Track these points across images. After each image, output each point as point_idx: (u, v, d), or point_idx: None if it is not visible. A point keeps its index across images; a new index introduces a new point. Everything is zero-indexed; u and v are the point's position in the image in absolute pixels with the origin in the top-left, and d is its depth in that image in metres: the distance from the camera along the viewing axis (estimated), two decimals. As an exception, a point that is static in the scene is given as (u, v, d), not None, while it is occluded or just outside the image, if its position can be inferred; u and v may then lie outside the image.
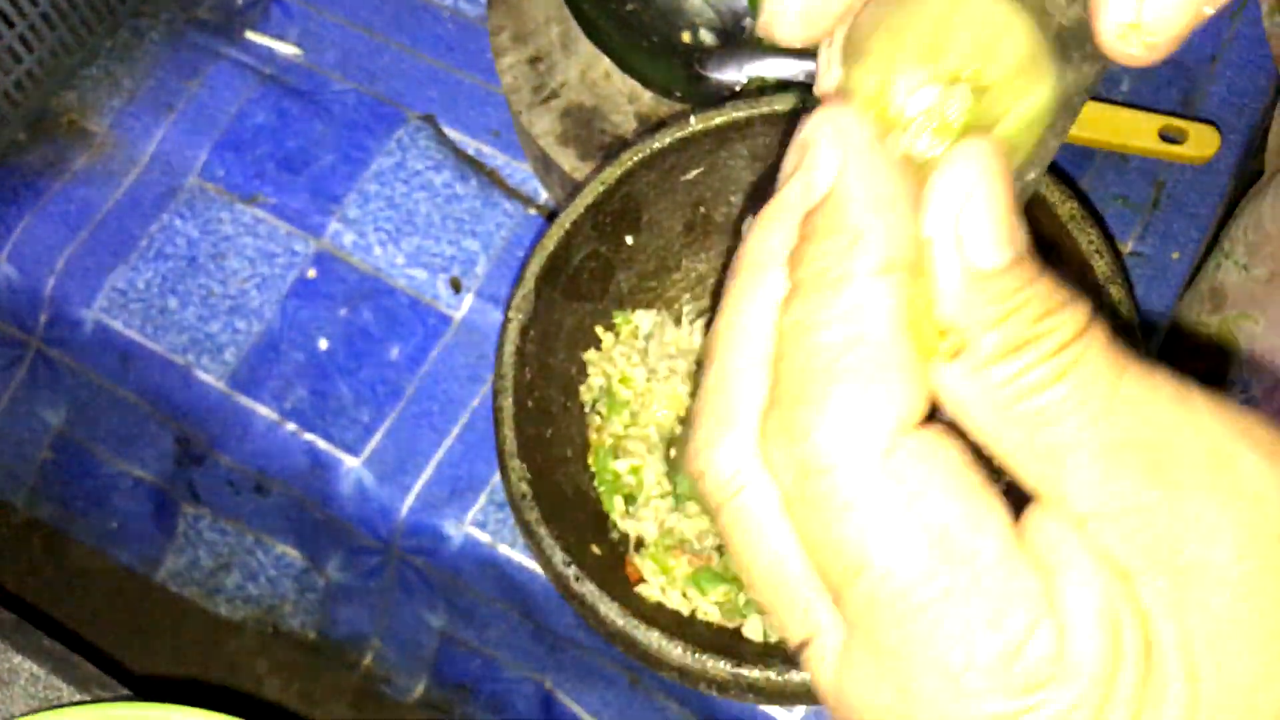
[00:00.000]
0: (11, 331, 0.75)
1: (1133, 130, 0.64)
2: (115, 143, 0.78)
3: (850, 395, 0.23)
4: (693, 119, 0.52)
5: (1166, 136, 0.66)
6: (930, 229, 0.24)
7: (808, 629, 0.25)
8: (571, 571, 0.46)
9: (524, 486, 0.48)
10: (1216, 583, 0.22)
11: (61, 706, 0.49)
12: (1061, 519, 0.23)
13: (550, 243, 0.51)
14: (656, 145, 0.52)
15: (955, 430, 0.24)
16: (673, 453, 0.56)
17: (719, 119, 0.52)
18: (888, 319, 0.23)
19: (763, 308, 0.25)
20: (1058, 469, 0.23)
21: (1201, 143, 0.64)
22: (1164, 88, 0.74)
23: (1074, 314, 0.23)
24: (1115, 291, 0.47)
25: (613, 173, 0.52)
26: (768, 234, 0.26)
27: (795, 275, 0.25)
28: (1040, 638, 0.22)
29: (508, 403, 0.49)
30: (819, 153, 0.25)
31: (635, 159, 0.52)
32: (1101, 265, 0.48)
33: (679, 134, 0.52)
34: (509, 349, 0.50)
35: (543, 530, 0.47)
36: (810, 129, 0.26)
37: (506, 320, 0.50)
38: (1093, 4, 0.24)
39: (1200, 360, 0.86)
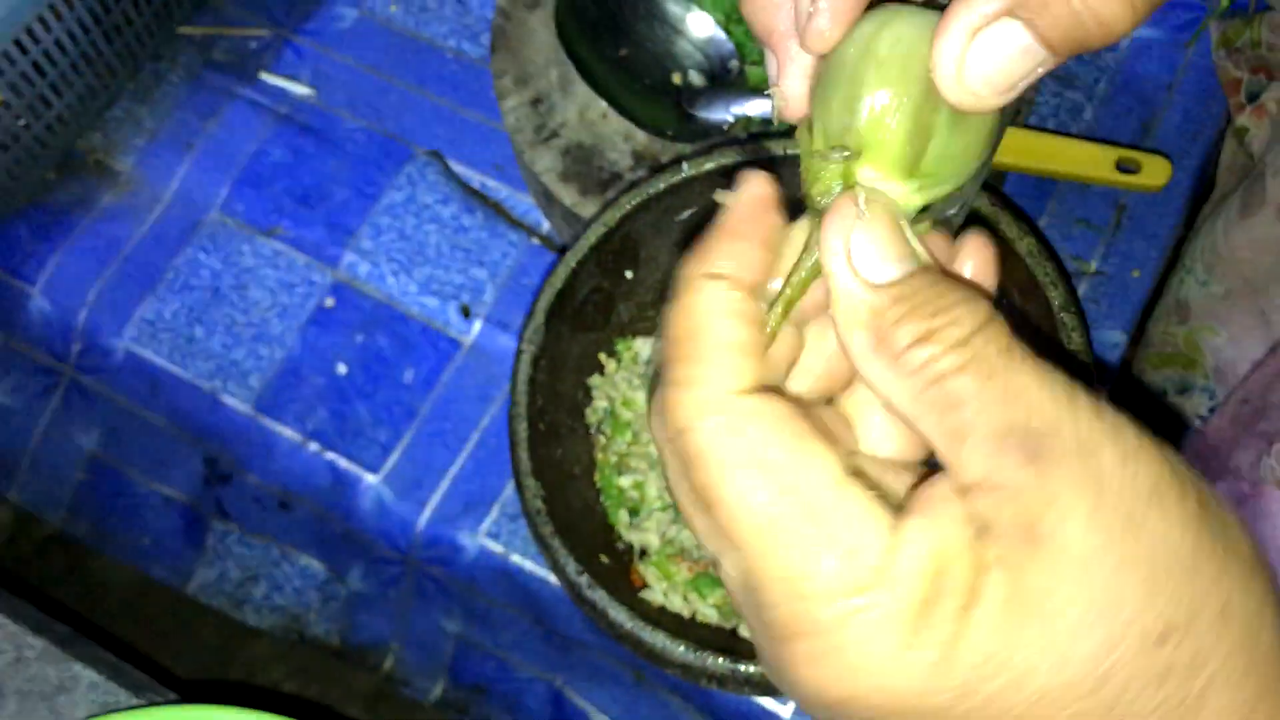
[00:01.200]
0: (46, 360, 0.80)
1: (1091, 162, 0.70)
2: (139, 180, 0.83)
3: (691, 369, 0.30)
4: (685, 166, 0.57)
5: (1123, 167, 0.71)
6: (825, 260, 0.31)
7: (712, 555, 0.31)
8: (584, 580, 0.51)
9: (538, 503, 0.53)
10: (1060, 553, 0.27)
11: (122, 710, 0.54)
12: (953, 483, 0.28)
13: (558, 280, 0.56)
14: (652, 190, 0.57)
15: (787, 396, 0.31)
16: (672, 468, 0.61)
17: (708, 165, 0.57)
18: (716, 312, 0.30)
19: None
20: (957, 446, 0.28)
21: (1155, 172, 0.69)
22: (1124, 116, 0.79)
23: (973, 311, 0.29)
24: (1069, 319, 0.52)
25: (613, 215, 0.57)
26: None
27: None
28: (866, 553, 0.28)
29: (522, 427, 0.54)
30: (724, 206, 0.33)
31: (634, 203, 0.57)
32: (1055, 294, 0.53)
33: (673, 180, 0.57)
34: (522, 378, 0.55)
35: (556, 543, 0.52)
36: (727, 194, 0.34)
37: (519, 352, 0.55)
38: (934, 58, 0.30)
39: (1172, 366, 0.92)
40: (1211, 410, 0.90)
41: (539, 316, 0.55)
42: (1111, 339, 0.75)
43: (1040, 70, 0.30)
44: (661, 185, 0.57)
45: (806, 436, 0.29)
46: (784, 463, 0.28)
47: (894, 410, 0.29)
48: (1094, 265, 0.76)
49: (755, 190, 0.32)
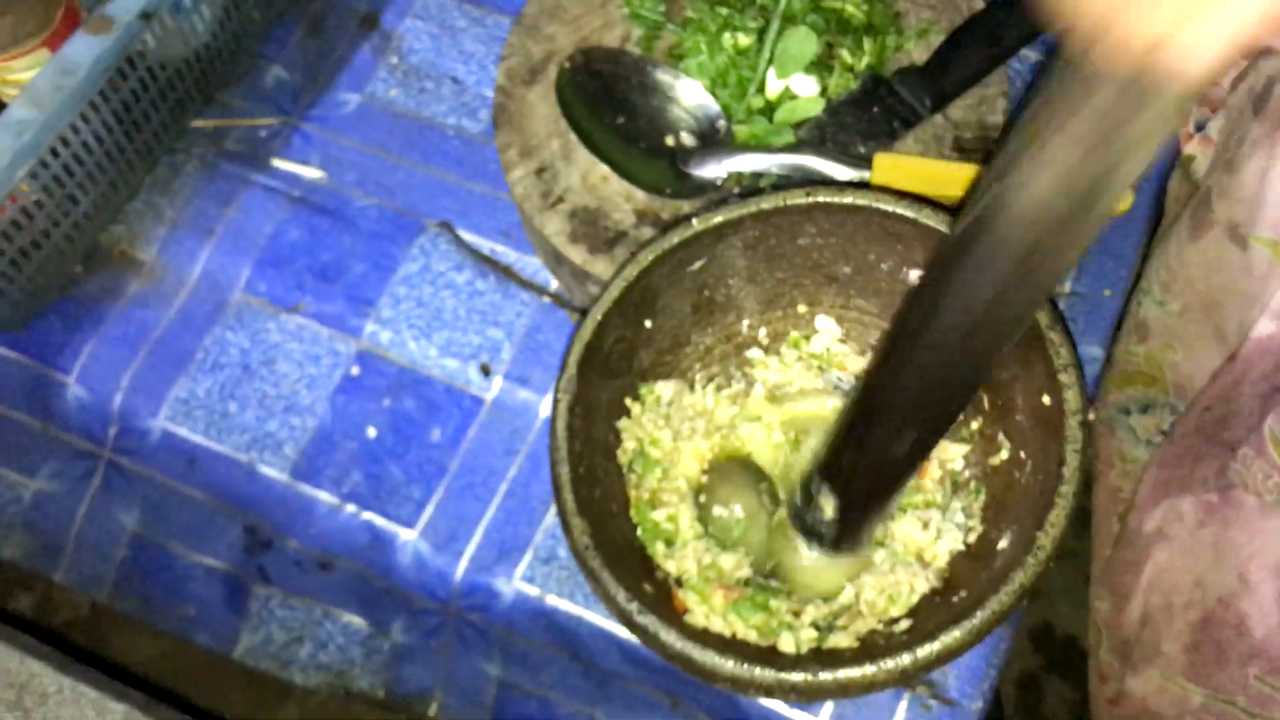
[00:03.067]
0: (85, 445, 0.84)
1: (1059, 193, 0.75)
2: (164, 267, 0.87)
3: None
4: (695, 221, 0.62)
5: (1088, 195, 0.77)
6: None
7: None
8: (634, 607, 0.55)
9: (585, 539, 0.57)
10: None
11: (208, 762, 0.58)
12: None
13: (586, 333, 0.61)
14: (667, 245, 0.62)
15: None
16: (701, 499, 0.65)
17: (717, 219, 0.62)
18: None
19: None
20: None
21: (1116, 200, 0.75)
22: (1083, 148, 0.85)
23: None
24: (1055, 336, 0.58)
25: (633, 270, 0.62)
26: None
27: None
28: None
29: (565, 470, 0.58)
30: None
31: (651, 258, 0.62)
32: (1042, 315, 0.58)
33: (686, 234, 0.62)
34: (561, 425, 0.59)
35: (605, 574, 0.56)
36: None
37: (556, 401, 0.60)
38: None
39: (1134, 385, 0.97)
40: (1173, 425, 0.95)
41: (572, 368, 0.60)
42: (1090, 354, 0.80)
43: None
44: (675, 240, 0.62)
45: None
46: None
47: None
48: (1068, 287, 0.81)
49: None
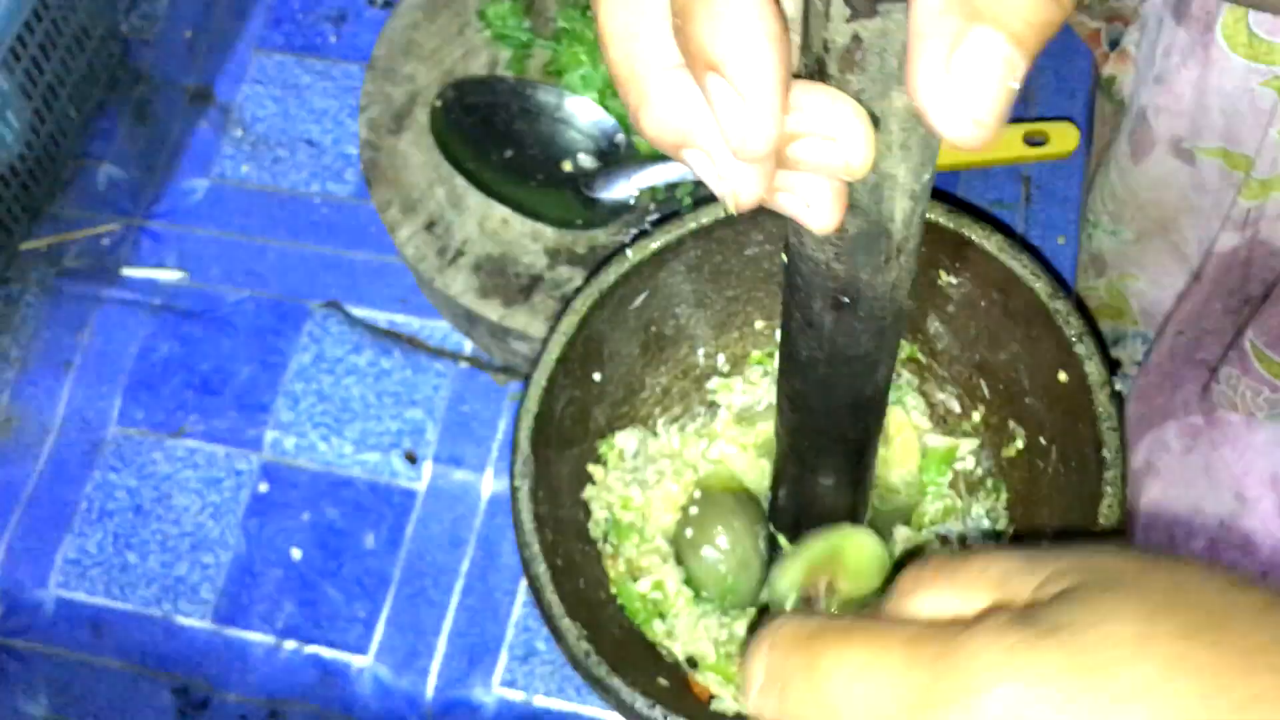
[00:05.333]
0: (-34, 635, 0.73)
1: (1001, 144, 0.69)
2: (20, 415, 0.76)
3: None
4: (629, 252, 0.54)
5: (1030, 140, 0.71)
6: None
7: None
8: (658, 713, 0.47)
9: (584, 644, 0.48)
10: None
11: None
12: None
13: (533, 404, 0.52)
14: (604, 285, 0.54)
15: None
16: (688, 535, 0.57)
17: (654, 245, 0.54)
18: None
19: None
20: None
21: (1064, 139, 0.69)
22: (1000, 92, 0.79)
23: None
24: (1060, 306, 0.51)
25: (571, 322, 0.53)
26: None
27: None
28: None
29: (542, 569, 0.50)
30: None
31: (588, 304, 0.53)
32: (1041, 285, 0.51)
33: (622, 269, 0.54)
34: (526, 517, 0.51)
35: (616, 681, 0.48)
36: None
37: (515, 489, 0.51)
38: (919, 106, 0.25)
39: (1101, 319, 0.93)
40: (1147, 354, 0.91)
41: (525, 447, 0.52)
42: (1059, 310, 0.74)
43: (1017, 82, 0.25)
44: (612, 278, 0.54)
45: None
46: None
47: None
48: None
49: None
